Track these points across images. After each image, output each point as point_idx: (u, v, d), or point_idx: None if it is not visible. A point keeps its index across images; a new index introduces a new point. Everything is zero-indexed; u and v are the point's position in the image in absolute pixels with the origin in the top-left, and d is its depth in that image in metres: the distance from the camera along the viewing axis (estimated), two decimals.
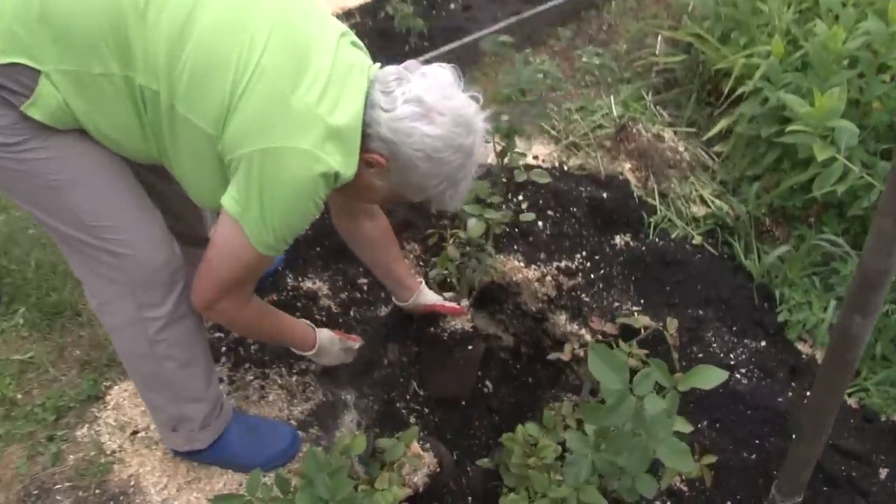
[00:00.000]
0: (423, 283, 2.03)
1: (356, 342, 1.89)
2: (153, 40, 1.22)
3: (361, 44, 1.47)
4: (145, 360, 1.54)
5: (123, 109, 1.28)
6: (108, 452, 1.76)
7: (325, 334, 1.77)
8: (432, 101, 1.29)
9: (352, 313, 2.13)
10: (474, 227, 1.95)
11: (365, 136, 1.32)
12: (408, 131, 1.29)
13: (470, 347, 2.09)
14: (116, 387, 1.90)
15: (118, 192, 1.41)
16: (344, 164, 1.29)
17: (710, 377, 1.19)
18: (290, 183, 1.25)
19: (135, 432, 1.80)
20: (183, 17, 1.22)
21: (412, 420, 2.23)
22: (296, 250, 2.23)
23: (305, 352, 1.73)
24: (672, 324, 1.83)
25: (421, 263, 2.29)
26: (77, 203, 1.35)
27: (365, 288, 2.21)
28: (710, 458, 1.47)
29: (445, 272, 2.08)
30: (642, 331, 1.86)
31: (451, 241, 2.03)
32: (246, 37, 1.23)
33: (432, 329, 2.10)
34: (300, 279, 2.17)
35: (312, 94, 1.25)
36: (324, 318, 2.09)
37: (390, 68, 1.37)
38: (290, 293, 2.12)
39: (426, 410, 2.29)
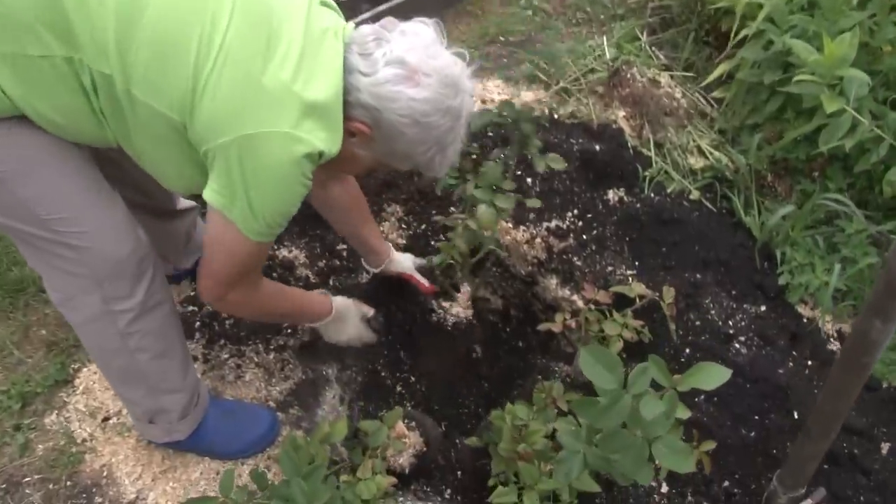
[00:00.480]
0: (393, 249, 1.97)
1: (370, 311, 1.84)
2: (99, 17, 1.11)
3: (332, 2, 1.35)
4: (117, 355, 1.47)
5: (68, 94, 1.17)
6: (79, 441, 1.69)
7: (341, 300, 1.73)
8: (416, 61, 1.20)
9: (331, 282, 2.05)
10: (485, 215, 1.83)
11: (345, 104, 1.23)
12: (392, 96, 1.20)
13: None
14: (85, 369, 1.83)
15: (71, 181, 1.30)
16: (328, 140, 1.21)
17: (711, 376, 1.11)
18: (272, 169, 1.17)
19: (106, 419, 1.74)
20: None
21: (398, 389, 2.17)
22: None
23: (323, 320, 1.67)
24: (668, 293, 1.74)
25: (403, 226, 2.19)
26: (27, 195, 1.25)
27: (344, 254, 2.12)
28: (710, 445, 1.41)
29: (451, 261, 1.98)
30: (637, 300, 1.78)
31: (459, 229, 1.91)
32: (207, 13, 1.13)
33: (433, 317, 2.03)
34: (275, 247, 2.07)
35: (286, 69, 1.15)
36: (301, 287, 1.99)
37: (366, 28, 1.26)
38: (265, 263, 2.02)
39: (412, 379, 2.23)
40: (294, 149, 1.16)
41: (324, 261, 2.07)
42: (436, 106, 1.22)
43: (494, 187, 1.83)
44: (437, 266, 2.03)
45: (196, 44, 1.12)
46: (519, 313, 2.25)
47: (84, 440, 1.70)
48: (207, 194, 1.21)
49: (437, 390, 2.20)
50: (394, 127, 1.23)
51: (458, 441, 2.06)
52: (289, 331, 1.91)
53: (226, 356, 1.86)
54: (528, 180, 2.35)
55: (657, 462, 1.26)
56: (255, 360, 1.86)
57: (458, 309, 2.07)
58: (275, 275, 2.01)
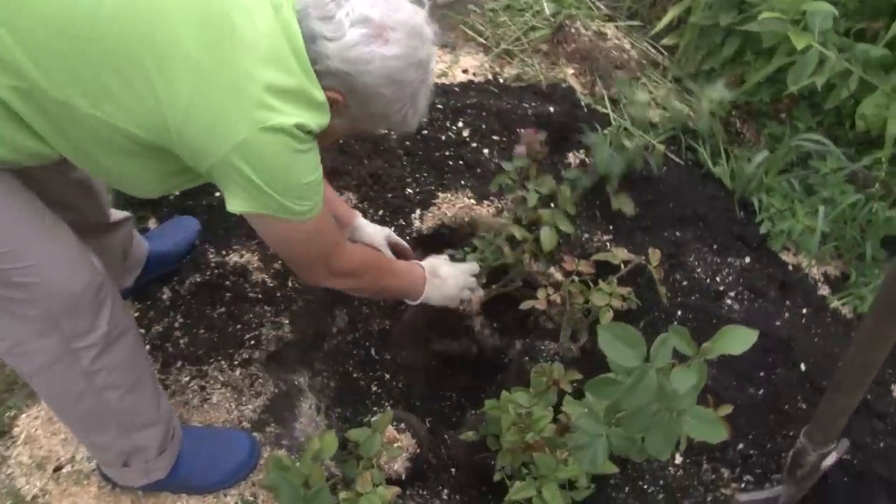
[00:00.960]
0: (360, 216, 1.91)
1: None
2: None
3: None
4: (83, 398, 1.35)
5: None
6: (29, 499, 1.55)
7: (430, 260, 1.79)
8: (380, 17, 1.17)
9: (290, 283, 1.96)
10: (548, 238, 1.83)
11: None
12: (365, 58, 1.17)
13: None
14: (24, 416, 1.68)
15: (9, 210, 1.19)
16: (315, 117, 1.18)
17: (739, 340, 1.10)
18: (279, 162, 1.16)
19: (58, 468, 1.60)
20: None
21: (374, 389, 2.12)
22: (213, 218, 2.01)
23: (420, 292, 1.71)
24: (654, 255, 1.74)
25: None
26: None
27: None
28: (727, 409, 1.41)
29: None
30: (622, 266, 1.78)
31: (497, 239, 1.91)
32: (154, 15, 1.07)
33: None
34: (224, 253, 1.96)
35: (254, 61, 1.10)
36: (259, 295, 1.91)
37: None
38: (215, 272, 1.92)
39: (387, 376, 2.18)
40: (289, 141, 1.14)
41: (279, 262, 1.98)
42: (408, 61, 1.21)
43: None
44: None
45: (153, 54, 1.06)
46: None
47: (35, 496, 1.56)
48: (235, 207, 1.19)
49: (415, 385, 2.16)
50: (369, 89, 1.20)
51: (446, 437, 2.03)
52: (252, 342, 1.82)
53: (186, 379, 1.76)
54: (486, 151, 2.32)
55: (684, 436, 1.27)
56: (221, 378, 1.76)
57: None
58: (227, 283, 1.91)
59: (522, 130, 1.93)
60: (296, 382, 1.85)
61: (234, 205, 1.19)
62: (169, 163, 1.18)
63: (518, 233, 1.88)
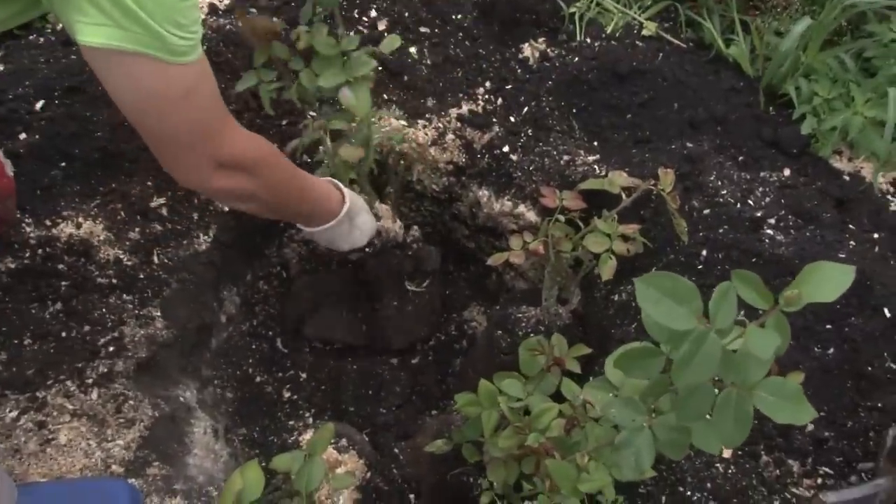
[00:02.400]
0: None
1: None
2: None
3: None
4: None
5: None
6: None
7: (354, 195, 1.87)
8: None
9: (156, 258, 1.86)
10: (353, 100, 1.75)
11: None
12: None
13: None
14: None
15: None
16: None
17: (831, 281, 1.07)
18: None
19: None
20: None
21: (286, 395, 2.09)
22: (34, 174, 1.87)
23: (332, 217, 1.78)
24: (667, 176, 1.70)
25: None
26: None
27: (164, 212, 1.93)
28: (799, 376, 1.40)
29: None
30: (623, 196, 1.73)
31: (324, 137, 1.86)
32: None
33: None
34: (52, 223, 1.83)
35: None
36: (112, 280, 1.79)
37: None
38: (43, 253, 1.78)
39: (303, 375, 2.15)
40: None
41: (136, 229, 1.87)
42: None
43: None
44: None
45: None
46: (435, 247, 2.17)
47: None
48: (90, 37, 1.19)
49: (345, 382, 2.12)
50: None
51: (397, 450, 2.00)
52: (110, 349, 1.71)
53: (14, 414, 1.63)
54: (413, 51, 2.23)
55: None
56: (68, 407, 1.64)
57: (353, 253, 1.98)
58: (62, 268, 1.78)
59: None
60: (181, 399, 1.79)
61: (89, 34, 1.19)
62: None
63: None
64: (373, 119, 1.89)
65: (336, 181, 1.85)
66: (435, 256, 2.13)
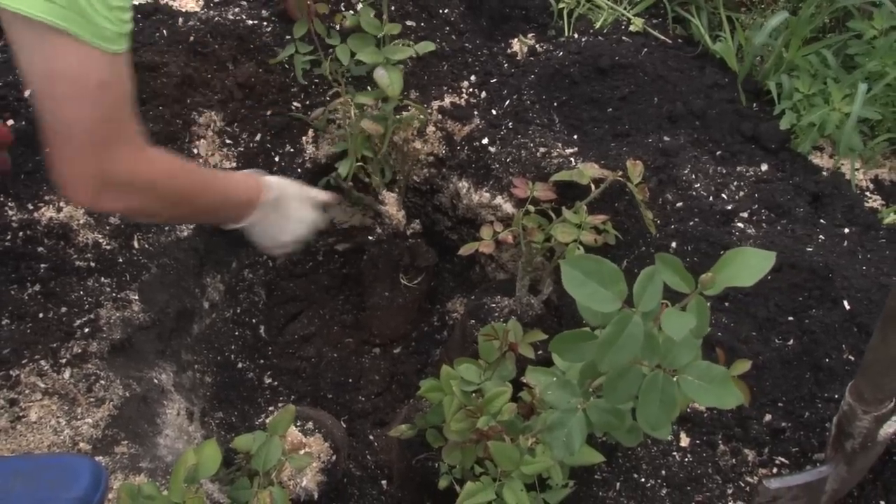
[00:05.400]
0: None
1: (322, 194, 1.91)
2: None
3: None
4: None
5: None
6: None
7: (274, 178, 1.79)
8: None
9: (136, 244, 1.90)
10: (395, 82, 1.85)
11: None
12: None
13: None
14: None
15: None
16: None
17: (750, 266, 1.08)
18: None
19: None
20: None
21: (267, 381, 2.11)
22: (20, 159, 1.93)
23: (251, 209, 1.72)
24: (635, 168, 1.71)
25: (228, 141, 2.05)
26: None
27: None
28: (744, 366, 1.40)
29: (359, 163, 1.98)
30: (592, 187, 1.75)
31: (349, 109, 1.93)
32: None
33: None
34: (34, 207, 1.87)
35: None
36: (91, 264, 1.83)
37: None
38: (24, 235, 1.82)
39: (284, 363, 2.17)
40: None
41: (118, 214, 1.90)
42: None
43: None
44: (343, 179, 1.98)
45: None
46: (417, 240, 2.20)
47: None
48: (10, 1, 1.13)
49: (326, 370, 2.15)
50: None
51: (372, 437, 2.02)
52: (86, 330, 1.74)
53: None
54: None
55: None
56: (41, 385, 1.68)
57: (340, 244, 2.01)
58: (41, 251, 1.82)
59: None
60: (155, 381, 1.80)
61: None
62: None
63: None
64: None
65: (262, 173, 1.83)
66: (431, 254, 2.16)
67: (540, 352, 1.58)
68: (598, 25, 2.31)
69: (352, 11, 1.79)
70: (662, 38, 2.28)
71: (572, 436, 1.21)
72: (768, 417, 1.60)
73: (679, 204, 1.87)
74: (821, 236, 1.81)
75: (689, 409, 1.64)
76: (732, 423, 1.61)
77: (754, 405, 1.62)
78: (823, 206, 1.93)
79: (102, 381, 1.71)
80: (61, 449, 1.62)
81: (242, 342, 2.11)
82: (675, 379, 1.11)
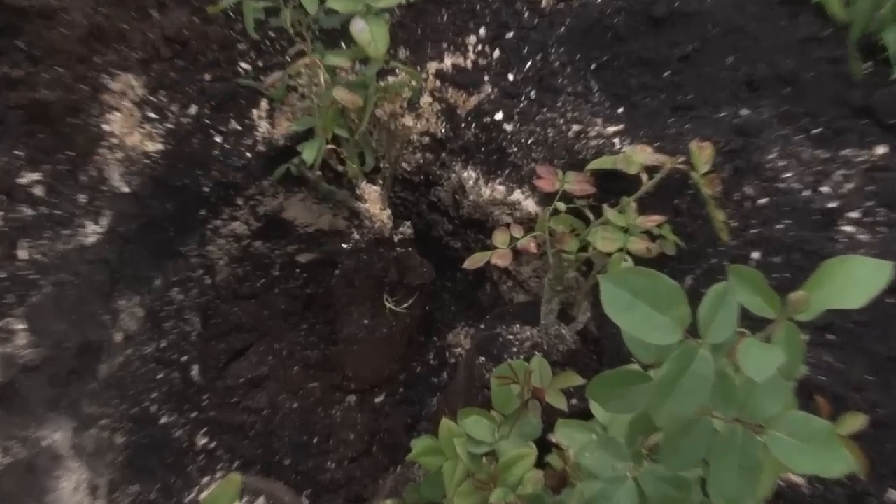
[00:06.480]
0: None
1: None
2: None
3: None
4: None
5: None
6: None
7: None
8: None
9: (22, 253, 1.92)
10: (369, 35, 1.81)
11: None
12: None
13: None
14: None
15: None
16: None
17: (861, 280, 1.08)
18: None
19: None
20: None
21: (201, 442, 2.13)
22: None
23: None
24: (702, 153, 1.71)
25: (151, 115, 2.06)
26: None
27: (39, 191, 1.99)
28: (858, 420, 1.38)
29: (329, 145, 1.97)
30: (643, 178, 1.74)
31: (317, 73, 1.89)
32: None
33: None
34: None
35: None
36: None
37: None
38: None
39: (221, 417, 2.18)
40: None
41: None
42: None
43: None
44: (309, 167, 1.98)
45: None
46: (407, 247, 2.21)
47: None
48: None
49: (278, 426, 2.15)
50: None
51: None
52: None
53: None
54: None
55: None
56: None
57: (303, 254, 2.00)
58: None
59: None
60: (45, 442, 1.81)
61: None
62: None
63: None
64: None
65: None
66: (427, 267, 2.15)
67: (574, 400, 1.58)
68: None
69: None
70: None
71: None
72: (893, 494, 1.60)
73: (762, 200, 1.86)
74: None
75: (781, 482, 1.63)
76: (841, 496, 1.60)
77: (872, 476, 1.60)
78: None
79: None
80: None
81: (168, 388, 2.12)
82: (759, 437, 1.11)
